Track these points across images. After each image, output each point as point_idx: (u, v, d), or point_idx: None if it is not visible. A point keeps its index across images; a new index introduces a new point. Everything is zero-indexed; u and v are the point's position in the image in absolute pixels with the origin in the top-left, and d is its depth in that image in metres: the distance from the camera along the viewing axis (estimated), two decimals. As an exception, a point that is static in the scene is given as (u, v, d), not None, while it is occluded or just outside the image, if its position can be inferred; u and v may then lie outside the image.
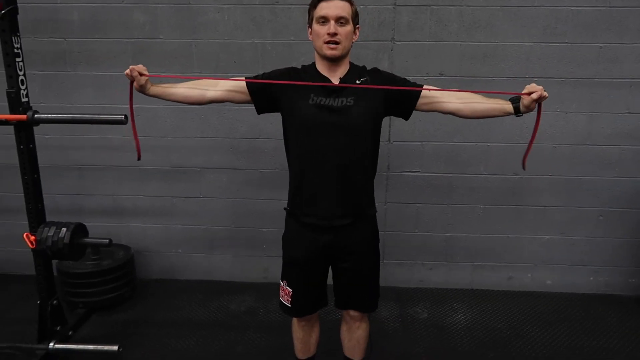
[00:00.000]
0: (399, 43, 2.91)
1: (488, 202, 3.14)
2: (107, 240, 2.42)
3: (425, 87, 1.86)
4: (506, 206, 3.15)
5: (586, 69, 2.88)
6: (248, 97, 1.90)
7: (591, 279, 3.24)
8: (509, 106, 1.79)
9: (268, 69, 2.93)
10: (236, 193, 3.22)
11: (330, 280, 2.01)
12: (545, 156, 3.03)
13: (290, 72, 1.88)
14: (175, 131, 3.11)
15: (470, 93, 1.87)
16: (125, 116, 2.26)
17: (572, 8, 2.82)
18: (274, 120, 3.04)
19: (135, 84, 1.83)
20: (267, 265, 3.33)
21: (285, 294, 1.98)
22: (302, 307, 1.98)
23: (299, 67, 1.94)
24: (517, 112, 1.78)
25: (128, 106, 1.94)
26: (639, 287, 3.21)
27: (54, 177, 3.19)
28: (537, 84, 1.72)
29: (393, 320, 2.93)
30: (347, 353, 2.16)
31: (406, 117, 1.93)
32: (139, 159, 1.98)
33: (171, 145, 3.12)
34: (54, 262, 2.71)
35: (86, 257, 2.80)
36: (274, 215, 3.19)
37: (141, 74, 1.81)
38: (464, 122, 2.98)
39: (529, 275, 3.26)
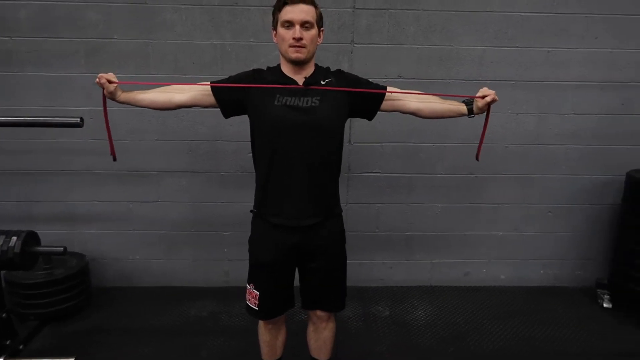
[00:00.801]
0: (359, 46, 2.95)
1: (445, 201, 3.23)
2: (62, 248, 2.31)
3: (388, 88, 1.91)
4: (463, 204, 3.25)
5: (535, 72, 3.02)
6: (214, 101, 1.89)
7: (541, 272, 3.40)
8: (463, 108, 1.95)
9: (227, 71, 2.97)
10: (196, 196, 3.16)
11: (296, 281, 2.02)
12: (498, 156, 3.15)
13: (254, 74, 1.88)
14: (132, 134, 3.03)
15: (428, 95, 1.98)
16: (81, 119, 2.18)
17: (522, 14, 2.94)
18: (234, 122, 3.03)
19: (104, 91, 1.84)
20: (229, 269, 3.29)
21: (252, 297, 1.96)
22: (269, 310, 1.97)
23: (264, 68, 1.94)
24: (470, 113, 1.95)
25: (102, 109, 1.98)
26: (584, 278, 3.40)
27: (3, 183, 3.04)
28: (490, 87, 1.91)
29: (356, 320, 2.96)
30: (314, 354, 2.17)
31: (370, 118, 1.98)
32: (114, 160, 2.09)
33: (128, 148, 3.03)
34: (2, 272, 2.58)
35: (37, 266, 2.67)
36: (235, 218, 3.16)
37: (110, 82, 1.82)
38: (422, 123, 3.04)
39: (484, 270, 3.38)
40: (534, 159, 3.18)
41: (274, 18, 1.83)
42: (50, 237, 2.98)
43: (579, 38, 2.99)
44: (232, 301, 3.12)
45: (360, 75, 1.99)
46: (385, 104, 1.93)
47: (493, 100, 1.86)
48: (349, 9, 2.89)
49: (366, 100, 1.90)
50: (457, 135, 3.10)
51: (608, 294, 3.13)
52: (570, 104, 3.08)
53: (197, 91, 1.92)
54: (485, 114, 1.95)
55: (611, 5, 2.94)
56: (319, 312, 2.05)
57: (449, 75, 3.01)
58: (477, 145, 2.06)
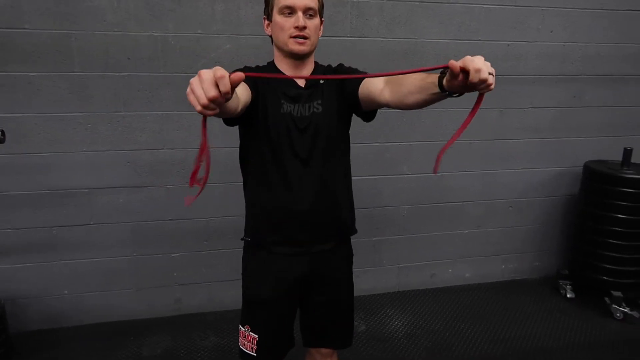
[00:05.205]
0: (321, 38, 2.66)
1: (411, 202, 3.09)
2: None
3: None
4: (428, 204, 3.12)
5: (496, 66, 2.90)
6: (248, 98, 1.39)
7: (503, 267, 3.39)
8: (434, 79, 1.17)
9: (170, 67, 2.55)
10: (137, 215, 2.70)
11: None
12: (463, 153, 3.06)
13: (256, 72, 1.53)
14: (53, 145, 2.49)
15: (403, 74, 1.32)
16: (2, 132, 1.68)
17: (484, 6, 2.86)
18: (180, 127, 2.65)
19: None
20: (180, 296, 2.86)
21: (248, 340, 1.62)
22: (270, 354, 1.65)
23: (242, 67, 1.58)
24: (445, 89, 1.14)
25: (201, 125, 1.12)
26: (542, 269, 3.44)
27: None
28: None
29: (333, 339, 2.71)
30: (315, 394, 1.87)
31: (358, 108, 1.55)
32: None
33: (48, 163, 2.49)
34: None
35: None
36: (185, 237, 2.76)
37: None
38: (387, 121, 2.90)
39: (450, 270, 3.29)
40: (495, 155, 3.13)
41: (267, 4, 1.51)
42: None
43: (535, 31, 2.97)
44: (188, 333, 2.71)
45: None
46: (361, 91, 1.48)
47: (482, 83, 1.03)
48: (309, -3, 2.60)
49: (348, 90, 1.52)
50: (422, 133, 2.96)
51: (570, 284, 3.18)
52: (529, 97, 3.07)
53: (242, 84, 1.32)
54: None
55: (565, -2, 2.96)
56: (323, 350, 1.76)
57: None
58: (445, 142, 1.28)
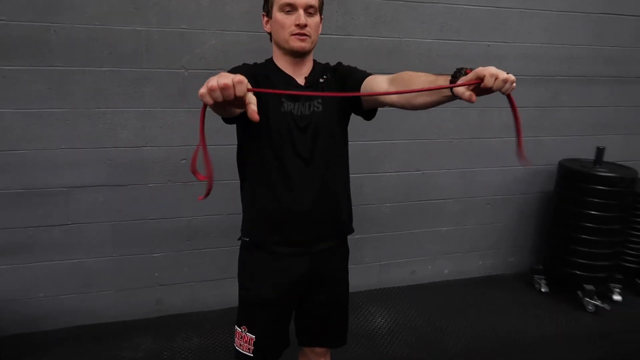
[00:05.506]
0: (307, 36, 2.66)
1: (393, 200, 3.12)
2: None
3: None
4: (409, 202, 3.16)
5: (477, 66, 3.00)
6: None
7: (480, 262, 3.47)
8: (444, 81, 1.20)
9: (154, 62, 2.49)
10: (117, 215, 2.62)
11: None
12: (443, 151, 3.11)
13: (255, 70, 1.50)
14: (30, 142, 2.39)
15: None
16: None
17: (465, 6, 2.90)
18: (164, 124, 2.59)
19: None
20: (161, 296, 2.80)
21: (245, 341, 1.61)
22: (267, 355, 1.64)
23: (240, 64, 1.57)
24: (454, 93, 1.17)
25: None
26: (516, 264, 3.54)
27: None
28: None
29: (318, 337, 2.71)
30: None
31: (362, 114, 1.62)
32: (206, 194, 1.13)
33: (25, 161, 2.39)
34: None
35: None
36: (167, 236, 2.71)
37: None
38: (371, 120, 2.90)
39: (430, 267, 3.35)
40: (475, 153, 3.19)
41: (267, 0, 1.49)
42: None
43: (514, 32, 3.04)
44: (171, 334, 2.67)
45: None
46: (364, 90, 1.48)
47: (503, 84, 1.09)
48: (295, -5, 2.58)
49: (350, 86, 1.53)
50: (405, 131, 2.99)
51: (544, 279, 3.28)
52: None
53: None
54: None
55: (543, 1, 3.03)
56: (318, 349, 1.76)
57: (398, 69, 2.84)
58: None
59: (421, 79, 1.30)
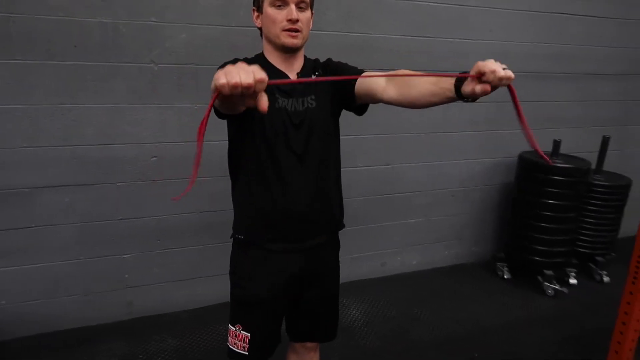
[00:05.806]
0: (279, 31, 2.64)
1: (364, 194, 3.16)
2: None
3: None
4: (379, 196, 3.21)
5: (442, 63, 3.10)
6: None
7: (446, 253, 3.58)
8: (450, 85, 1.25)
9: (121, 56, 2.41)
10: (84, 216, 2.51)
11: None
12: (412, 145, 3.19)
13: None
14: (-12, 140, 2.25)
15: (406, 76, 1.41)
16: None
17: (430, 4, 2.97)
18: (132, 120, 2.51)
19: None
20: (132, 298, 2.72)
21: (240, 340, 1.59)
22: (262, 352, 1.62)
23: (232, 59, 1.54)
24: (463, 95, 1.22)
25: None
26: (480, 253, 3.69)
27: None
28: None
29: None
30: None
31: (354, 109, 1.64)
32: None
33: (-18, 160, 2.25)
34: None
35: None
36: (137, 237, 2.63)
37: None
38: (343, 116, 2.92)
39: (399, 258, 3.42)
40: (440, 147, 3.29)
41: (258, -4, 1.47)
42: None
43: (477, 30, 3.15)
44: (143, 337, 2.59)
45: None
46: (359, 86, 1.51)
47: (502, 79, 1.12)
48: (267, -11, 2.56)
49: (344, 85, 1.53)
50: (375, 126, 3.03)
51: (506, 266, 3.44)
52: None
53: None
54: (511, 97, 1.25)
55: (503, 0, 3.16)
56: (308, 344, 1.77)
57: (368, 65, 2.86)
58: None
59: (424, 80, 1.34)
